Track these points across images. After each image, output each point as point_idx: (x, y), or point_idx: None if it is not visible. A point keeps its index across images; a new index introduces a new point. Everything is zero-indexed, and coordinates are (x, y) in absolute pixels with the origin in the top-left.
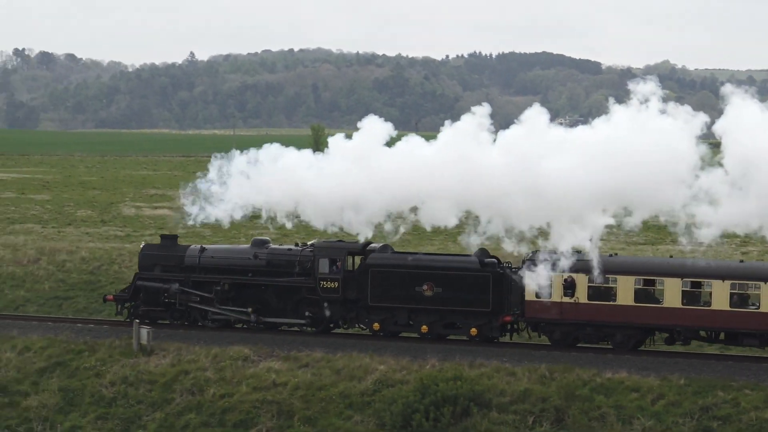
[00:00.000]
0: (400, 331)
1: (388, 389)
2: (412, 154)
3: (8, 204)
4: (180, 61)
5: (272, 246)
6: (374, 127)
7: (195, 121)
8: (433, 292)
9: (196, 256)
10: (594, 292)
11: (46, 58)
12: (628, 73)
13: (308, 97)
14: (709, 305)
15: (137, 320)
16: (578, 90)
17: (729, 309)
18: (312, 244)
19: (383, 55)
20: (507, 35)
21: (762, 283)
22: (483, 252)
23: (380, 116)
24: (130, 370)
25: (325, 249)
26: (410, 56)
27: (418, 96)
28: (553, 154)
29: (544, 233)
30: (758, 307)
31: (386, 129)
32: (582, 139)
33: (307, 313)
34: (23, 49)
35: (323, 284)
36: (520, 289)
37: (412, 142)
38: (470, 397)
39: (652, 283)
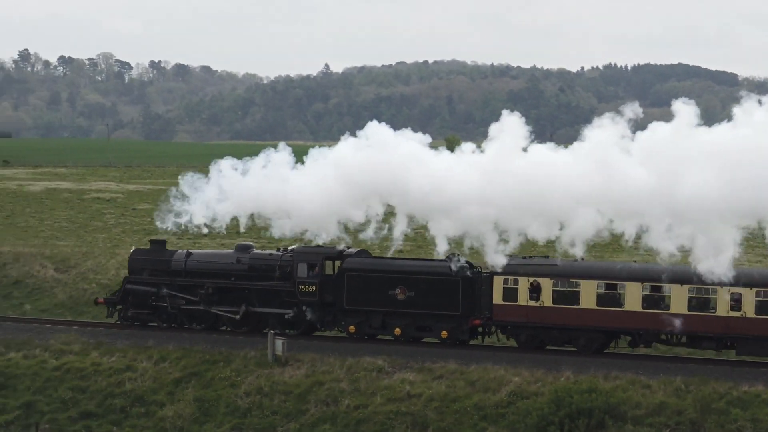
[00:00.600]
0: (374, 334)
1: (523, 401)
2: (550, 164)
3: (144, 215)
4: (315, 73)
5: (255, 251)
6: (511, 134)
7: (330, 133)
8: (406, 295)
9: (182, 260)
10: (558, 296)
11: (182, 70)
12: (766, 85)
13: (442, 109)
14: (668, 309)
15: (272, 331)
16: (714, 102)
17: (687, 312)
18: (292, 249)
19: (518, 66)
20: (642, 46)
21: (718, 288)
22: (455, 256)
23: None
24: (265, 381)
25: (304, 254)
26: (545, 68)
27: (552, 108)
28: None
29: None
30: (715, 311)
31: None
32: (719, 146)
33: (285, 316)
34: (159, 62)
35: (302, 288)
36: (488, 293)
37: (544, 152)
38: (605, 409)
39: (614, 287)
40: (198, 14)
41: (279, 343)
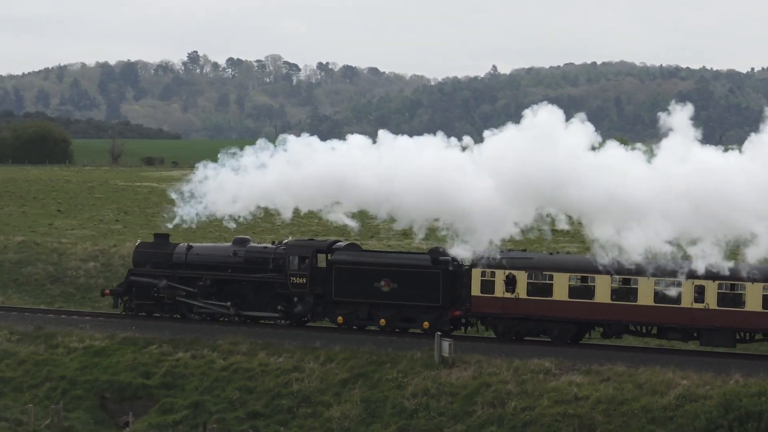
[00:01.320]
0: (362, 325)
1: (691, 404)
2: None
3: (311, 216)
4: (482, 75)
5: (251, 244)
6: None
7: None
8: (390, 287)
9: (183, 253)
10: (532, 288)
11: (349, 71)
12: None
13: (611, 111)
14: (636, 301)
15: (439, 333)
16: None
17: (653, 304)
18: (285, 243)
19: (687, 68)
20: None
21: (683, 280)
22: (437, 250)
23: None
24: (432, 382)
25: (296, 247)
26: (714, 69)
27: (722, 109)
28: None
29: None
30: (680, 303)
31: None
32: None
33: (279, 307)
34: (327, 63)
35: (293, 280)
36: (468, 285)
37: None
38: None
39: (585, 279)
40: (366, 15)
41: (446, 344)
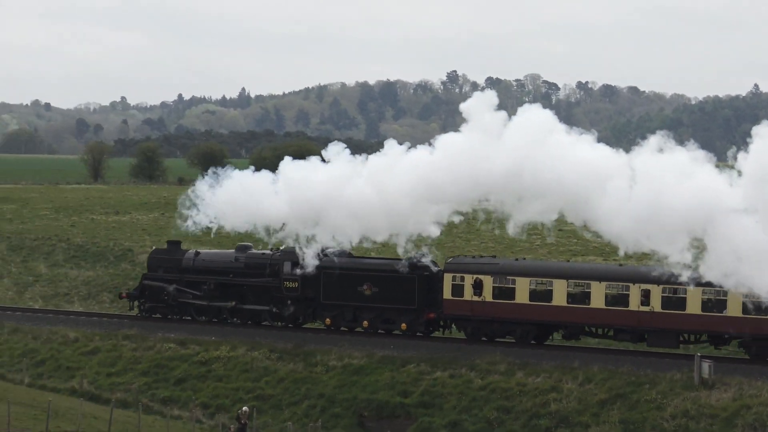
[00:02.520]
0: (348, 327)
1: None
2: None
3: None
4: (743, 93)
5: (251, 251)
6: None
7: None
8: (372, 291)
9: (191, 259)
10: (497, 292)
11: (609, 91)
12: None
13: None
14: (589, 304)
15: (698, 354)
16: None
17: (605, 307)
18: (280, 250)
19: None
20: None
21: (631, 284)
22: (416, 256)
23: None
24: (691, 404)
25: (289, 253)
26: None
27: None
28: None
29: None
30: (628, 306)
31: None
32: None
33: (274, 310)
34: (586, 83)
35: (286, 284)
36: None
37: None
38: None
39: (544, 284)
40: (625, 34)
41: (705, 365)
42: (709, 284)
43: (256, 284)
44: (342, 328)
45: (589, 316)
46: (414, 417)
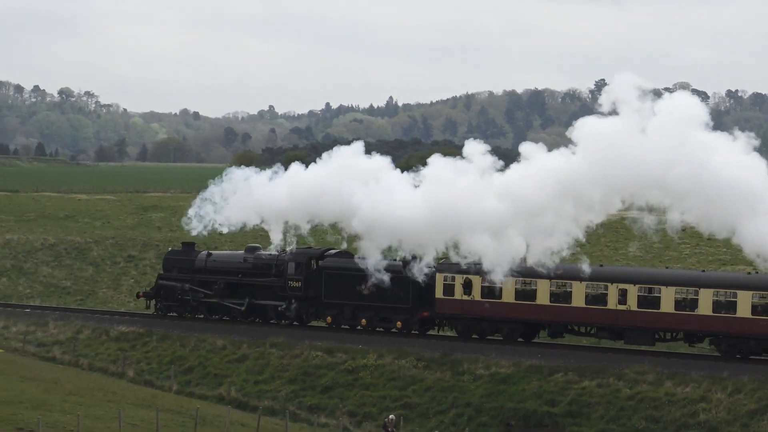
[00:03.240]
0: (349, 324)
1: None
2: None
3: (719, 245)
4: None
5: (259, 252)
6: None
7: None
8: (369, 291)
9: (203, 260)
10: (486, 292)
11: (759, 99)
12: None
13: None
14: (570, 303)
15: None
16: None
17: (585, 306)
18: (287, 251)
19: None
20: None
21: (609, 284)
22: (414, 257)
23: None
24: None
25: (294, 254)
26: None
27: None
28: None
29: None
30: (606, 305)
31: None
32: None
33: (279, 308)
34: (736, 91)
35: (291, 284)
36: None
37: None
38: None
39: (529, 283)
40: None
41: None
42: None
43: (263, 284)
44: (343, 326)
45: (571, 315)
46: (562, 426)
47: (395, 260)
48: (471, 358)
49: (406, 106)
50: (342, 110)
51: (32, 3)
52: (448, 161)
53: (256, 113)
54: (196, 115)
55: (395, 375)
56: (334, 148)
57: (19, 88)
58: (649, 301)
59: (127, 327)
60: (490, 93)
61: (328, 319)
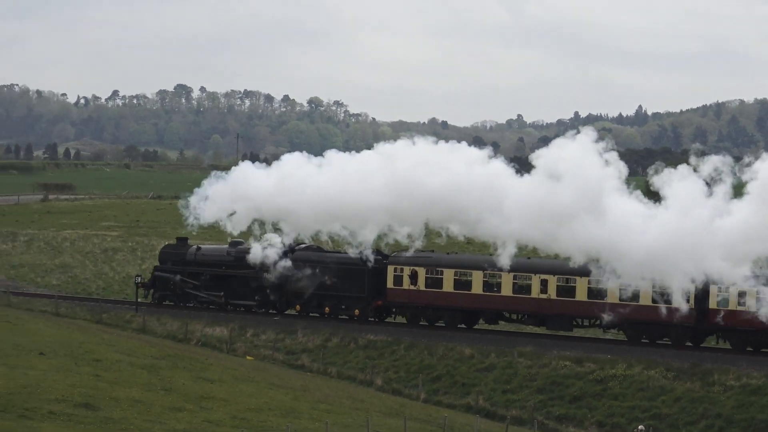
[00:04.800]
0: (314, 312)
1: None
2: None
3: None
4: None
5: (240, 246)
6: None
7: None
8: (332, 281)
9: (193, 253)
10: (429, 282)
11: None
12: None
13: None
14: (500, 292)
15: None
16: None
17: (512, 295)
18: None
19: None
20: None
21: (533, 275)
22: (374, 251)
23: None
24: None
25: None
26: None
27: None
28: None
29: None
30: (530, 294)
31: None
32: None
33: (256, 297)
34: None
35: (265, 275)
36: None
37: None
38: None
39: (465, 274)
40: None
41: None
42: None
43: (243, 275)
44: (312, 314)
45: (501, 303)
46: None
47: (357, 254)
48: (721, 368)
49: (655, 114)
50: (591, 119)
51: (285, 16)
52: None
53: (504, 122)
54: (444, 124)
55: (644, 385)
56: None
57: (269, 98)
58: (566, 290)
59: (375, 336)
60: (741, 101)
61: (297, 307)
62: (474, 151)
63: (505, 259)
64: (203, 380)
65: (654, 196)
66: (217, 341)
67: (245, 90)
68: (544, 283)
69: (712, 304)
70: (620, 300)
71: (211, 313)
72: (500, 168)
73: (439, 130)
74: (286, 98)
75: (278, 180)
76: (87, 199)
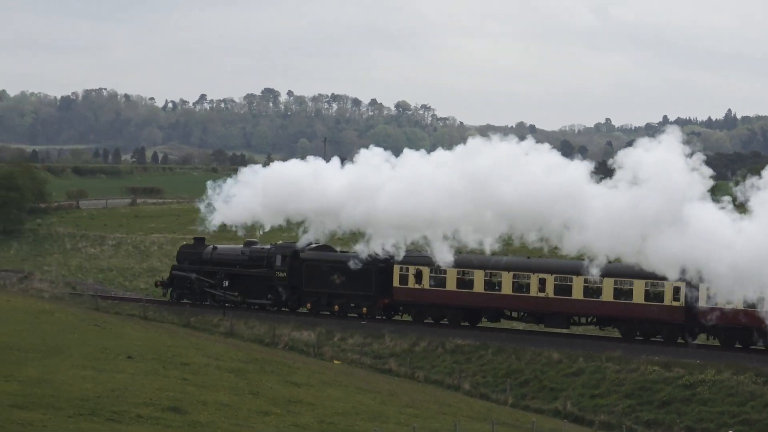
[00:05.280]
0: (325, 311)
1: None
2: None
3: None
4: None
5: (254, 246)
6: None
7: None
8: (341, 280)
9: (209, 252)
10: (434, 281)
11: None
12: None
13: None
14: (500, 290)
15: None
16: None
17: (512, 293)
18: (275, 244)
19: None
20: None
21: (531, 274)
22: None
23: None
24: None
25: (280, 247)
26: None
27: None
28: None
29: None
30: (529, 292)
31: None
32: None
33: (269, 296)
34: None
35: (278, 274)
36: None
37: None
38: None
39: (467, 273)
40: None
41: None
42: None
43: (256, 274)
44: (322, 312)
45: (501, 302)
46: None
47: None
48: None
49: (745, 118)
50: (679, 122)
51: (372, 19)
52: None
53: (592, 126)
54: (531, 128)
55: (734, 390)
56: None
57: (356, 102)
58: (564, 289)
59: (463, 340)
60: None
61: (308, 305)
62: (554, 157)
63: (594, 270)
64: (291, 384)
65: (740, 207)
66: (304, 345)
67: (332, 94)
68: (542, 282)
69: None
70: (615, 298)
71: (298, 318)
72: (581, 175)
73: (527, 134)
74: (373, 102)
75: (351, 187)
76: (175, 203)
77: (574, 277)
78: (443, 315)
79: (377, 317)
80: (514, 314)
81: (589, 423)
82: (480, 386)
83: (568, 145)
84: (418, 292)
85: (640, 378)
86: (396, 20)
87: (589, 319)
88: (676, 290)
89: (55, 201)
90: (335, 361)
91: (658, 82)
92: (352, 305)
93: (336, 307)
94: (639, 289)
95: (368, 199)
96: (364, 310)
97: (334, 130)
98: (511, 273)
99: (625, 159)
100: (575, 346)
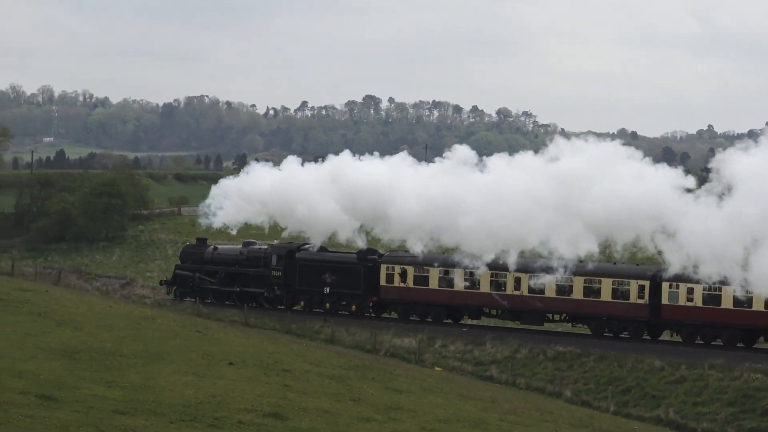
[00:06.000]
0: (317, 308)
1: None
2: None
3: None
4: None
5: (252, 246)
6: None
7: None
8: (331, 279)
9: (210, 252)
10: (417, 279)
11: None
12: None
13: None
14: (479, 288)
15: None
16: None
17: (489, 291)
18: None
19: None
20: None
21: (507, 273)
22: (368, 250)
23: None
24: None
25: (276, 247)
26: None
27: None
28: None
29: None
30: (505, 290)
31: None
32: None
33: (265, 294)
34: None
35: (273, 273)
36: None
37: None
38: None
39: (448, 272)
40: None
41: None
42: None
43: (254, 273)
44: (315, 310)
45: (479, 300)
46: None
47: (352, 252)
48: None
49: None
50: None
51: (472, 26)
52: None
53: (694, 132)
54: (633, 134)
55: None
56: None
57: (457, 109)
58: (537, 287)
59: (564, 347)
60: None
61: (302, 303)
62: (639, 165)
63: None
64: (392, 391)
65: None
66: (405, 352)
67: (434, 100)
68: (517, 281)
69: None
70: (584, 296)
71: (399, 324)
72: (670, 187)
73: (629, 141)
74: (474, 109)
75: (429, 197)
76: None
77: (548, 276)
78: (427, 313)
79: (366, 315)
80: (493, 312)
81: (691, 431)
82: (582, 393)
83: (670, 151)
84: (403, 291)
85: (743, 386)
86: (496, 27)
87: (562, 317)
88: (641, 288)
89: (157, 207)
90: (436, 368)
91: (761, 87)
92: (343, 303)
93: (327, 305)
94: (606, 287)
95: (450, 216)
96: (353, 307)
97: (435, 137)
98: (490, 272)
99: (723, 165)
100: (677, 354)
